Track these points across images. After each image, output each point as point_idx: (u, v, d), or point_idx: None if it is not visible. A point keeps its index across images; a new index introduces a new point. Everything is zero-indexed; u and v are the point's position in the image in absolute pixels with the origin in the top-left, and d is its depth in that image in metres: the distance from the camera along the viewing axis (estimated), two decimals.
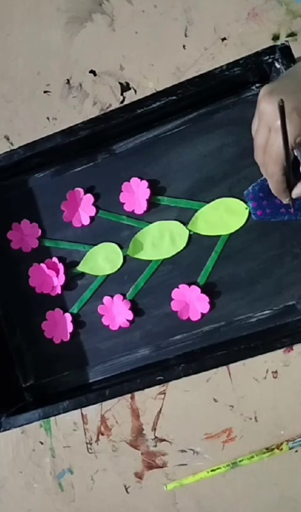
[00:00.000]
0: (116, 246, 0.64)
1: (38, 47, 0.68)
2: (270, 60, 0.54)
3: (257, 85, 0.60)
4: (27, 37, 0.68)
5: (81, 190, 0.65)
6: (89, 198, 0.64)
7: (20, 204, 0.67)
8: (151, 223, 0.63)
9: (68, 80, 0.67)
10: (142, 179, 0.63)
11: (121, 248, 0.64)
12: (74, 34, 0.67)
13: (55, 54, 0.67)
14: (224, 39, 0.62)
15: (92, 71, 0.66)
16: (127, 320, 0.63)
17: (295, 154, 0.51)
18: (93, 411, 0.64)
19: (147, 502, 0.62)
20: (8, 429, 0.60)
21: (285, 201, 0.54)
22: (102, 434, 0.64)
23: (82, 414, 0.64)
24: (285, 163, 0.48)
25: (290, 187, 0.52)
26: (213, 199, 0.61)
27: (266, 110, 0.47)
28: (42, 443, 0.65)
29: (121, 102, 0.65)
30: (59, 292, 0.65)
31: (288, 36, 0.61)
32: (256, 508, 0.60)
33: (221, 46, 0.62)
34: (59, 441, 0.65)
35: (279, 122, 0.44)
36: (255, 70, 0.56)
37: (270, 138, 0.48)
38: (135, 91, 0.64)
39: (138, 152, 0.63)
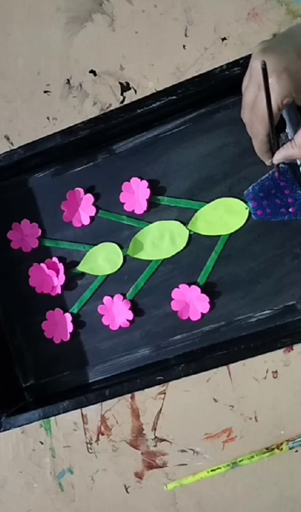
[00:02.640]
0: (116, 246, 0.64)
1: (38, 47, 0.68)
2: None
3: None
4: (27, 37, 0.68)
5: (81, 190, 0.65)
6: (89, 198, 0.64)
7: (20, 204, 0.67)
8: (151, 222, 0.63)
9: (68, 80, 0.67)
10: (142, 179, 0.63)
11: (121, 248, 0.64)
12: (75, 34, 0.67)
13: (55, 54, 0.67)
14: (224, 39, 0.62)
15: (92, 71, 0.66)
16: (127, 320, 0.63)
17: (283, 115, 0.50)
18: (93, 411, 0.64)
19: (147, 502, 0.62)
20: (8, 429, 0.60)
21: (268, 162, 0.53)
22: (102, 434, 0.64)
23: (82, 414, 0.64)
24: (270, 122, 0.47)
25: (272, 149, 0.51)
26: (213, 199, 0.61)
27: (257, 68, 0.46)
28: (42, 443, 0.65)
29: (121, 102, 0.65)
30: (59, 292, 0.65)
31: None
32: (256, 508, 0.60)
33: (221, 45, 0.62)
34: (59, 441, 0.65)
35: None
36: None
37: (258, 97, 0.47)
38: (135, 91, 0.64)
39: (138, 152, 0.63)
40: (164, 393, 0.62)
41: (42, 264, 0.65)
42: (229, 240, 0.61)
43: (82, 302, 0.65)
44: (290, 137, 0.54)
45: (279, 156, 0.52)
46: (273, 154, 0.52)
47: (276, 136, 0.50)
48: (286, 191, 0.58)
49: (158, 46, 0.64)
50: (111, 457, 0.63)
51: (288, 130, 0.54)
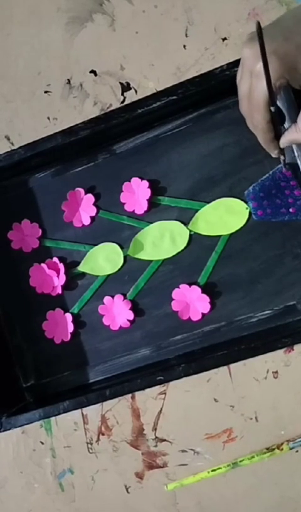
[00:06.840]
0: (116, 246, 0.64)
1: (38, 47, 0.68)
2: None
3: None
4: (28, 37, 0.68)
5: (81, 190, 0.65)
6: (89, 198, 0.64)
7: (20, 204, 0.67)
8: (151, 223, 0.63)
9: (68, 80, 0.67)
10: (142, 179, 0.63)
11: (121, 248, 0.64)
12: (75, 34, 0.67)
13: (55, 54, 0.67)
14: (224, 39, 0.62)
15: (93, 71, 0.66)
16: (128, 320, 0.63)
17: (280, 106, 0.50)
18: (93, 411, 0.64)
19: (148, 503, 0.62)
20: (8, 429, 0.60)
21: (274, 153, 0.53)
22: (103, 434, 0.64)
23: (82, 414, 0.64)
24: (269, 108, 0.47)
25: (277, 137, 0.51)
26: (214, 199, 0.61)
27: (247, 55, 0.47)
28: (42, 443, 0.65)
29: (122, 102, 0.65)
30: (60, 292, 0.65)
31: None
32: (256, 508, 0.60)
33: (222, 46, 0.62)
34: (59, 441, 0.65)
35: (259, 65, 0.44)
36: None
37: (252, 84, 0.47)
38: (136, 91, 0.64)
39: (138, 152, 0.63)
40: (165, 393, 0.62)
41: (42, 264, 0.65)
42: (229, 240, 0.61)
43: (82, 302, 0.65)
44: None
45: (284, 140, 0.52)
46: (278, 141, 0.52)
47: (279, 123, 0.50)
48: (287, 191, 0.58)
49: (159, 46, 0.64)
50: (112, 457, 0.63)
51: (287, 122, 0.53)
